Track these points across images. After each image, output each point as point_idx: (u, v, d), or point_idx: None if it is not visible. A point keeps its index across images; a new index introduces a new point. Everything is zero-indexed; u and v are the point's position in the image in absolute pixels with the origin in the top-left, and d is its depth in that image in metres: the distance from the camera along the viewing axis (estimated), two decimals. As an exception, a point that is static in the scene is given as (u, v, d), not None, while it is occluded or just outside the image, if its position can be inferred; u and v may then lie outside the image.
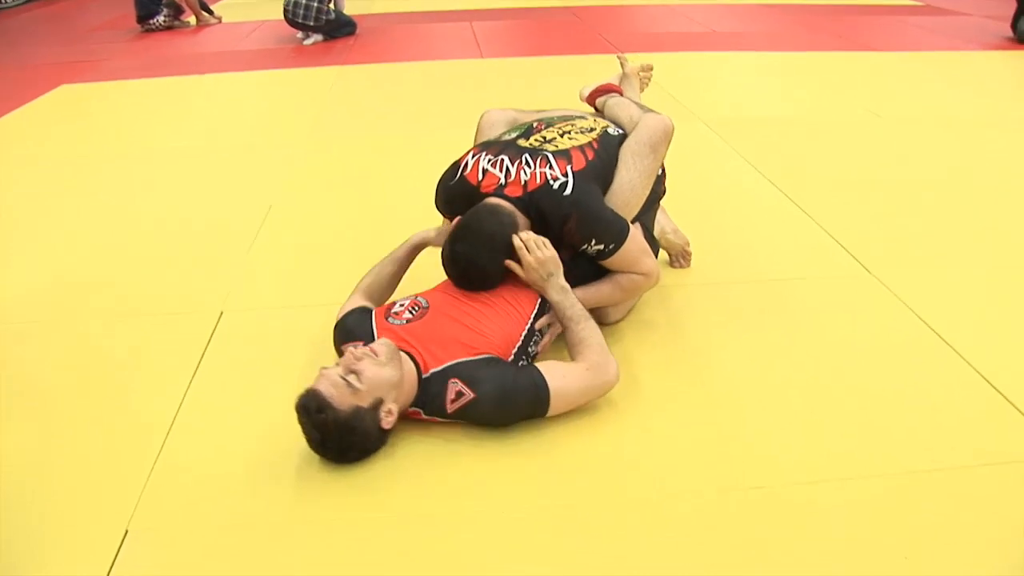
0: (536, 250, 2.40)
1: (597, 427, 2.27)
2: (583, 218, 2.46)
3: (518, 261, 2.41)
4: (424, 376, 2.21)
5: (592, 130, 2.70)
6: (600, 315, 2.70)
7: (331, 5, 7.88)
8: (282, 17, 7.97)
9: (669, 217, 3.15)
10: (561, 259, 2.44)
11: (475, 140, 2.91)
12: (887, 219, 3.53)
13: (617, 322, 2.74)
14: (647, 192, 2.68)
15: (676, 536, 1.89)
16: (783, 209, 3.65)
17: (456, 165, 2.66)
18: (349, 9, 8.44)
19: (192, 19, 9.22)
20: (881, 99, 5.43)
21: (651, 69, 3.38)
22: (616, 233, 2.50)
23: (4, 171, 4.57)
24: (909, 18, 8.65)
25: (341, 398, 2.04)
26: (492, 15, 9.19)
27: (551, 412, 2.23)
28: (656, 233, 2.99)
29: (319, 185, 4.21)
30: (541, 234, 2.46)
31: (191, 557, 1.89)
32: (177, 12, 9.04)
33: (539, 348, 2.48)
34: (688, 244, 3.14)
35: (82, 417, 2.41)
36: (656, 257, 2.85)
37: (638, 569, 1.81)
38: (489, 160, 2.57)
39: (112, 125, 5.44)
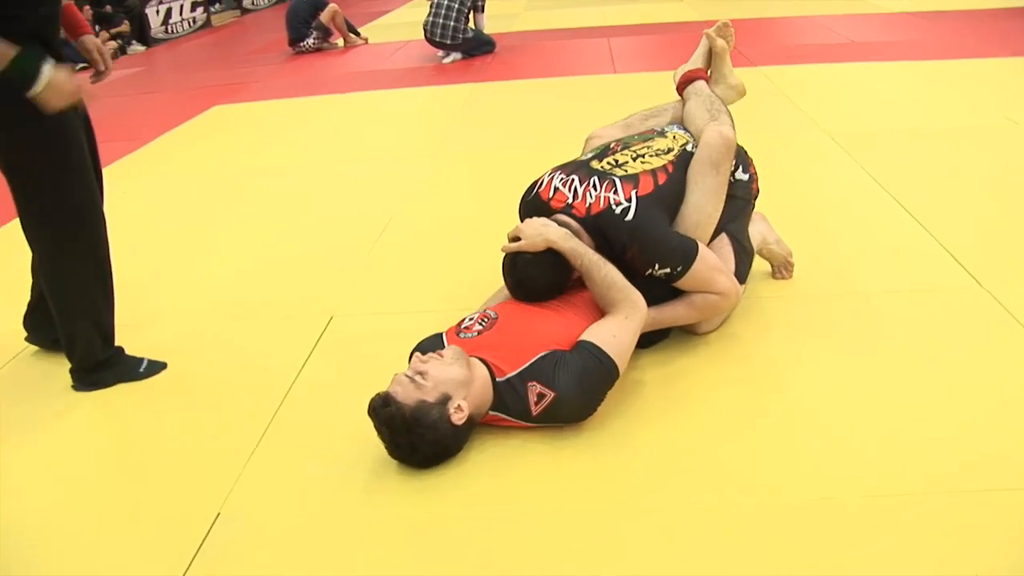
0: (523, 226, 2.51)
1: (673, 432, 2.30)
2: (644, 244, 2.48)
3: (567, 275, 2.48)
4: (499, 380, 2.27)
5: (670, 150, 2.72)
6: (690, 327, 2.73)
7: (470, 24, 8.10)
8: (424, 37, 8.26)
9: (772, 227, 3.12)
10: (634, 283, 2.48)
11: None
12: (1008, 232, 3.38)
13: (707, 333, 2.75)
14: (719, 209, 2.68)
15: (741, 544, 1.91)
16: (898, 221, 3.56)
17: (535, 181, 2.75)
18: (489, 28, 8.64)
19: (340, 41, 9.65)
20: (1022, 106, 5.18)
21: (730, 26, 3.19)
22: (681, 256, 2.52)
23: (158, 184, 4.94)
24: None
25: (406, 394, 2.13)
26: (630, 31, 9.23)
27: (621, 369, 2.32)
28: (758, 244, 2.98)
29: (439, 198, 4.36)
30: (605, 256, 2.50)
31: (276, 543, 2.01)
32: (326, 34, 9.48)
33: None
34: (791, 255, 3.11)
35: (192, 403, 2.63)
36: (750, 266, 2.85)
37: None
38: (561, 179, 2.64)
39: (256, 142, 5.77)
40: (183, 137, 6.07)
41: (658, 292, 2.58)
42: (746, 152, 2.95)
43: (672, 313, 2.61)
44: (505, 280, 2.58)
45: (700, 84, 3.01)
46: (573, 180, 2.62)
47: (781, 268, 3.11)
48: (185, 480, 2.26)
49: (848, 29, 8.38)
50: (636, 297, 2.41)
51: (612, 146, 2.78)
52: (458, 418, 2.16)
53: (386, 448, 2.19)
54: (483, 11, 8.26)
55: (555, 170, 2.72)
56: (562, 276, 2.49)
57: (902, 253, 3.28)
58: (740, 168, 2.87)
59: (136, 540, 2.05)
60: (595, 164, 2.68)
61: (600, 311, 2.48)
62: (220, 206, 4.48)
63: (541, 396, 2.23)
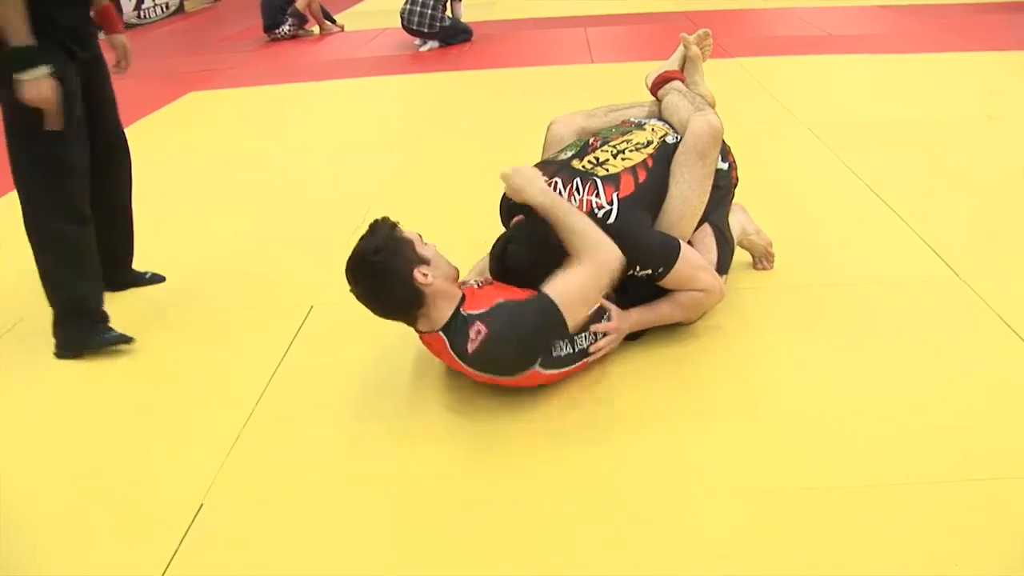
0: (513, 174, 2.51)
1: (654, 423, 2.30)
2: (626, 246, 2.45)
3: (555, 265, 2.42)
4: (461, 312, 2.31)
5: (649, 143, 2.72)
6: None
7: (447, 12, 8.06)
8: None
9: (751, 218, 3.13)
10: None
11: (542, 152, 2.96)
12: (985, 224, 3.42)
13: (690, 324, 2.75)
14: (703, 200, 2.69)
15: (730, 535, 1.91)
16: (877, 213, 3.58)
17: None
18: (467, 16, 8.60)
19: (316, 28, 9.57)
20: (999, 101, 5.22)
21: (710, 36, 3.24)
22: (663, 257, 2.53)
23: (134, 171, 4.85)
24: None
25: (408, 234, 2.34)
26: (607, 21, 9.22)
27: (569, 319, 2.28)
28: (738, 235, 2.99)
29: (417, 188, 4.34)
30: None
31: (259, 534, 2.01)
32: (301, 22, 9.39)
33: (591, 348, 2.47)
34: (771, 245, 3.12)
35: (172, 393, 2.63)
36: (732, 256, 2.85)
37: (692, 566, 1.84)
38: (544, 181, 2.59)
39: (232, 129, 5.72)
40: (159, 123, 5.99)
41: (641, 291, 2.59)
42: (724, 141, 2.93)
43: (657, 313, 2.63)
44: (491, 264, 2.56)
45: (678, 83, 3.02)
46: (556, 183, 2.59)
47: (762, 258, 3.13)
48: (167, 471, 2.25)
49: (824, 21, 8.42)
50: (598, 244, 2.37)
51: (592, 142, 2.76)
52: (420, 278, 2.25)
53: (351, 256, 2.31)
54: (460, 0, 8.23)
55: (537, 171, 2.66)
56: (548, 269, 2.45)
57: (880, 245, 3.30)
58: (720, 157, 2.85)
59: (118, 532, 2.03)
60: (576, 164, 2.66)
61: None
62: (197, 194, 4.44)
63: (478, 333, 2.25)
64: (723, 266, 2.78)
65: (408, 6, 7.92)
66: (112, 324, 2.90)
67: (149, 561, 1.91)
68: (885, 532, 1.88)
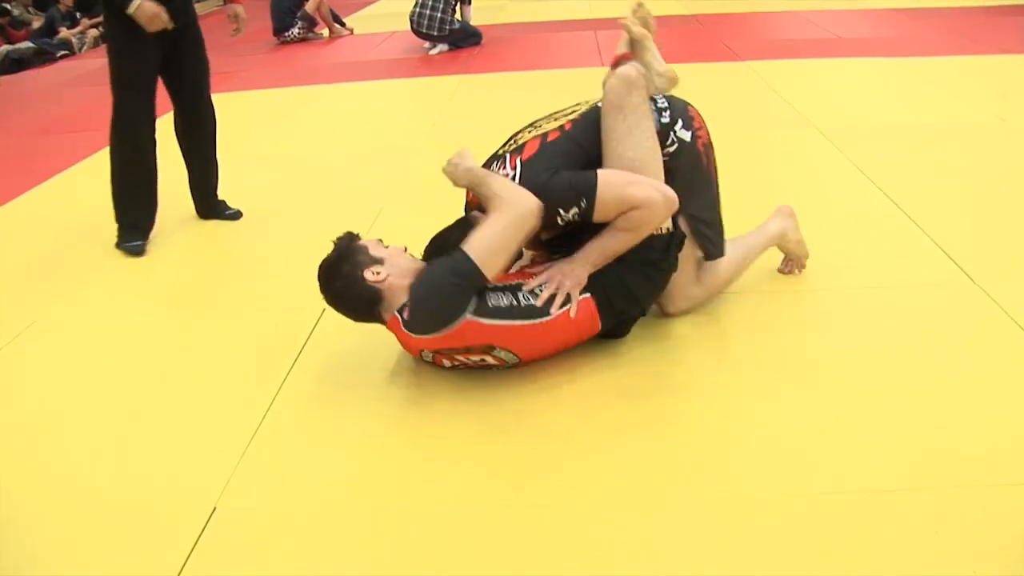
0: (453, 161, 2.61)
1: (666, 429, 2.29)
2: (540, 196, 2.41)
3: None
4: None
5: (573, 111, 2.71)
6: (662, 306, 2.76)
7: (456, 16, 8.06)
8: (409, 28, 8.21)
9: (798, 226, 3.05)
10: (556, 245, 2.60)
11: None
12: (998, 227, 3.40)
13: (683, 313, 2.76)
14: (646, 148, 2.52)
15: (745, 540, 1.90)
16: (889, 216, 3.56)
17: None
18: (476, 20, 8.60)
19: (325, 31, 9.59)
20: (1010, 103, 5.20)
21: (642, 5, 2.99)
22: (578, 189, 2.43)
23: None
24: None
25: (365, 241, 2.53)
26: (617, 24, 9.15)
27: (486, 268, 2.34)
28: (777, 234, 2.98)
29: (429, 190, 4.32)
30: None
31: (274, 536, 2.00)
32: (311, 25, 9.42)
33: (552, 310, 2.45)
34: (807, 258, 3.07)
35: (186, 394, 2.62)
36: (722, 239, 2.82)
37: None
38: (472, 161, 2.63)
39: (242, 132, 5.70)
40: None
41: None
42: (688, 106, 2.76)
43: (599, 246, 2.49)
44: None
45: (628, 64, 2.73)
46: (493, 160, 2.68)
47: (795, 265, 3.09)
48: (180, 472, 2.24)
49: (834, 25, 8.40)
50: (511, 195, 2.41)
51: (519, 130, 2.81)
52: (371, 276, 2.42)
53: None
54: (470, 3, 8.23)
55: (468, 152, 2.69)
56: None
57: (893, 248, 3.29)
58: (680, 124, 2.66)
59: (131, 534, 2.02)
60: (500, 151, 2.73)
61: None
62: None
63: (409, 298, 2.40)
64: (717, 251, 2.79)
65: (417, 9, 7.92)
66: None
67: (163, 564, 1.90)
68: (902, 537, 1.87)
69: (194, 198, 4.06)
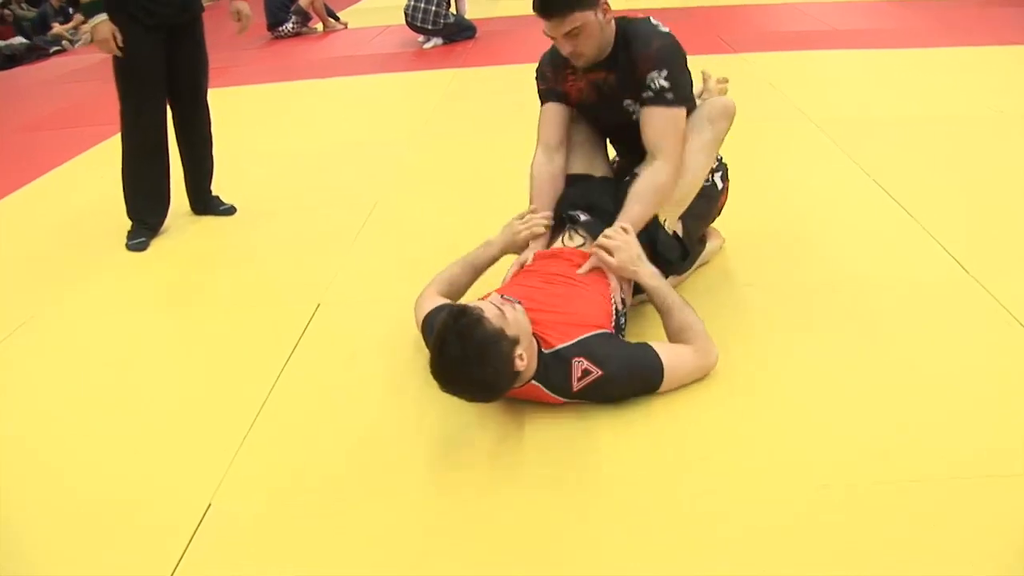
0: (617, 234, 2.50)
1: (666, 424, 2.28)
2: (669, 48, 2.60)
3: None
4: (544, 352, 2.26)
5: None
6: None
7: (451, 9, 8.04)
8: (404, 22, 8.19)
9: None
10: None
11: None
12: (996, 221, 3.39)
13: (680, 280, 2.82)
14: (706, 166, 2.76)
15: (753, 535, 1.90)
16: (886, 210, 3.55)
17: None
18: (471, 13, 8.58)
19: (319, 25, 9.57)
20: (1008, 95, 5.19)
21: (727, 82, 3.34)
22: (683, 93, 2.63)
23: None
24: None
25: (492, 315, 2.11)
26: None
27: (662, 388, 2.31)
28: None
29: (424, 184, 4.33)
30: (618, 66, 2.64)
31: (268, 533, 1.99)
32: (305, 19, 9.39)
33: (625, 320, 2.54)
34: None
35: (177, 391, 2.62)
36: (692, 261, 2.95)
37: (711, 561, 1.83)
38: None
39: (237, 127, 5.67)
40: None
41: None
42: (726, 167, 2.99)
43: (633, 211, 2.62)
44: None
45: None
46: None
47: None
48: (175, 471, 2.23)
49: (829, 16, 8.39)
50: (712, 346, 2.41)
51: None
52: (519, 365, 2.14)
53: (438, 358, 2.11)
54: None
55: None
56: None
57: (891, 242, 3.28)
58: (720, 174, 2.93)
59: (126, 532, 2.01)
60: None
61: (605, 279, 2.53)
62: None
63: (587, 372, 2.23)
64: (679, 269, 2.85)
65: (412, 2, 7.90)
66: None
67: (158, 561, 1.89)
68: (903, 529, 1.86)
69: (189, 194, 4.05)
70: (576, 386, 2.24)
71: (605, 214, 2.66)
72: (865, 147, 4.31)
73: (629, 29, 2.65)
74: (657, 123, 2.62)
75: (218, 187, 4.09)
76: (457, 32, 8.16)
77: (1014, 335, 2.60)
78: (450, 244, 3.40)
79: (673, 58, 2.62)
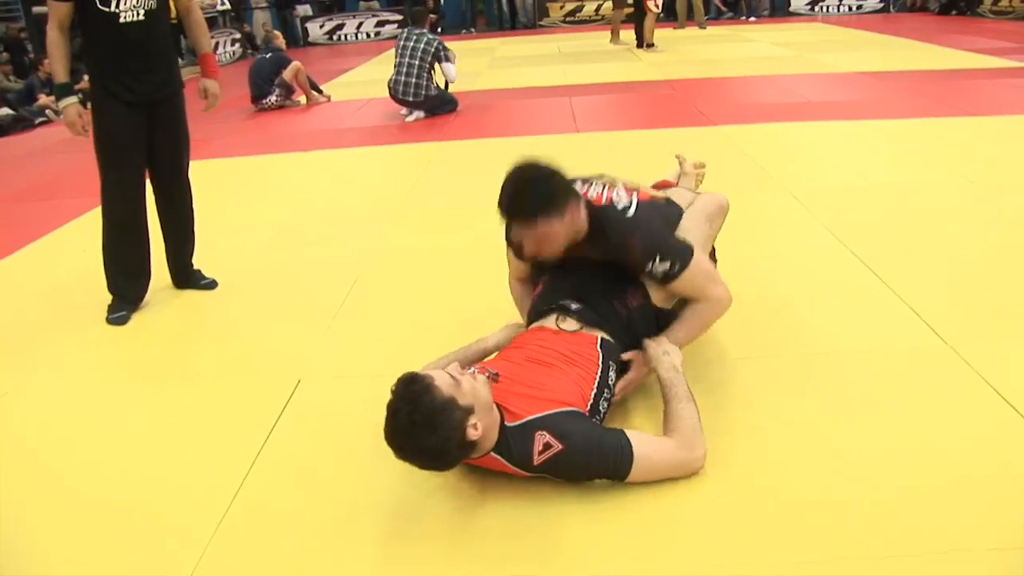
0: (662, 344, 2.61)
1: (639, 494, 2.28)
2: (646, 234, 2.55)
3: None
4: (507, 425, 2.25)
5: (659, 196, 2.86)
6: None
7: (436, 79, 8.15)
8: (387, 95, 8.33)
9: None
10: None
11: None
12: (970, 289, 3.44)
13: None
14: (705, 261, 2.76)
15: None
16: (861, 279, 3.60)
17: None
18: (453, 86, 8.69)
19: (303, 98, 9.68)
20: (977, 165, 5.29)
21: (704, 167, 3.46)
22: (680, 253, 2.57)
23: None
24: (1016, 80, 8.43)
25: (443, 383, 2.12)
26: (591, 90, 9.35)
27: (631, 478, 2.26)
28: None
29: (406, 260, 4.35)
30: (598, 249, 2.60)
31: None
32: (288, 92, 9.51)
33: (609, 406, 2.52)
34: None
35: (157, 469, 2.59)
36: None
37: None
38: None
39: (220, 199, 5.71)
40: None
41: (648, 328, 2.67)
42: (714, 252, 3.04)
43: (679, 335, 2.68)
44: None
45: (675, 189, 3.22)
46: (575, 181, 2.65)
47: None
48: (152, 549, 2.22)
49: (804, 88, 8.58)
50: (698, 443, 2.35)
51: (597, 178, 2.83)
52: (472, 434, 2.13)
53: (390, 425, 2.11)
54: (450, 60, 8.24)
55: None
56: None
57: (866, 311, 3.32)
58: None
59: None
60: (594, 178, 2.77)
61: (594, 358, 2.51)
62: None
63: (548, 446, 2.21)
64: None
65: (395, 77, 8.04)
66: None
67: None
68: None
69: (170, 267, 4.06)
70: (537, 459, 2.21)
71: (596, 302, 2.66)
72: (839, 216, 4.38)
73: (600, 217, 2.61)
74: (684, 287, 2.63)
75: (200, 260, 4.11)
76: (440, 105, 8.27)
77: (991, 403, 2.62)
78: (430, 320, 3.43)
79: (656, 242, 2.58)
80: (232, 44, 17.31)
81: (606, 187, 2.66)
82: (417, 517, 2.28)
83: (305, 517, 2.30)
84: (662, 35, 13.14)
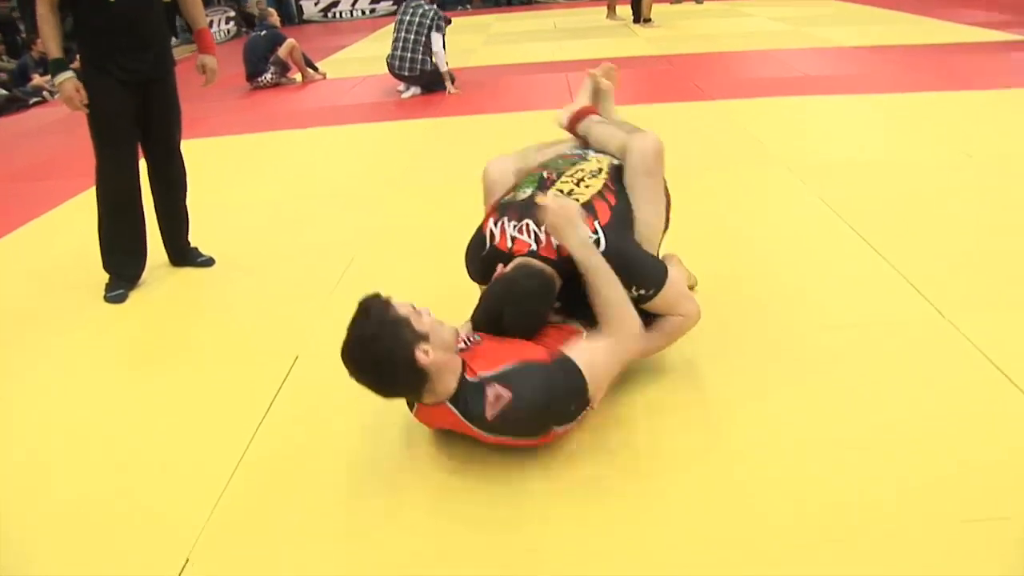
0: (557, 198, 2.50)
1: (626, 468, 2.28)
2: (623, 267, 2.46)
3: (544, 315, 2.48)
4: (468, 379, 2.24)
5: (601, 171, 2.72)
6: None
7: (432, 58, 8.09)
8: (383, 72, 8.32)
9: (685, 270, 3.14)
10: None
11: (484, 198, 2.94)
12: (968, 262, 3.44)
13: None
14: (663, 217, 2.75)
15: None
16: (859, 253, 3.60)
17: (482, 234, 2.68)
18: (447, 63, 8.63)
19: (298, 76, 9.63)
20: (975, 139, 5.28)
21: (614, 68, 3.32)
22: (656, 278, 2.52)
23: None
24: (1015, 54, 8.40)
25: (402, 308, 2.19)
26: (587, 66, 9.19)
27: (592, 391, 2.26)
28: None
29: (403, 236, 4.34)
30: (576, 292, 2.48)
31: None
32: (284, 69, 9.46)
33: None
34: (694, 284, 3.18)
35: (154, 448, 2.59)
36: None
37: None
38: (515, 226, 2.56)
39: (215, 178, 5.69)
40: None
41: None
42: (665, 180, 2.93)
43: (648, 345, 2.59)
44: (488, 302, 2.47)
45: (596, 116, 3.02)
46: (528, 224, 2.55)
47: None
48: (152, 525, 2.22)
49: (802, 63, 8.53)
50: (632, 323, 2.37)
51: (547, 176, 2.71)
52: (421, 357, 2.14)
53: (345, 339, 2.18)
54: (442, 32, 8.04)
55: (499, 216, 2.63)
56: (546, 314, 2.48)
57: (864, 285, 3.31)
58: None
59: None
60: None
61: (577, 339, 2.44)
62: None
63: (498, 397, 2.18)
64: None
65: (393, 51, 7.99)
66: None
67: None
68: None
69: (166, 246, 4.05)
70: (490, 413, 2.18)
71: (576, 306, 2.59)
72: (837, 191, 4.37)
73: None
74: (656, 307, 2.56)
75: (197, 238, 4.10)
76: (435, 81, 8.22)
77: (987, 375, 2.63)
78: (427, 296, 3.37)
79: (631, 273, 2.48)
80: (227, 23, 17.21)
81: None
82: (413, 487, 2.29)
83: (304, 492, 2.31)
84: (659, 10, 13.05)
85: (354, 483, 2.35)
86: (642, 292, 2.51)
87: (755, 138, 5.59)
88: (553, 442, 2.36)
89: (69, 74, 3.50)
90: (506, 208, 2.65)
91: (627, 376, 2.63)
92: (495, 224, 2.62)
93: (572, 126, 3.04)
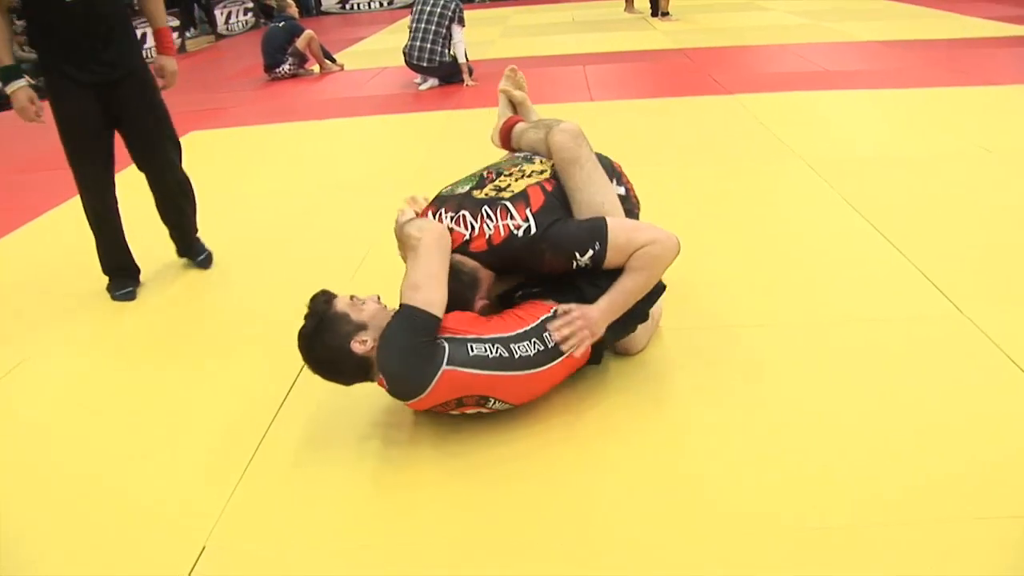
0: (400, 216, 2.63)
1: (675, 455, 2.28)
2: (556, 245, 2.48)
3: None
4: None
5: (543, 171, 2.74)
6: (623, 349, 2.77)
7: (451, 50, 8.07)
8: (401, 63, 8.31)
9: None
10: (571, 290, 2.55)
11: None
12: (986, 258, 3.43)
13: (642, 351, 2.80)
14: (608, 192, 2.70)
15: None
16: (877, 248, 3.58)
17: None
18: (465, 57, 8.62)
19: (316, 67, 9.65)
20: (994, 134, 5.25)
21: (516, 71, 3.40)
22: (592, 233, 2.50)
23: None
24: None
25: (341, 302, 2.41)
26: (605, 58, 9.28)
27: (432, 308, 2.32)
28: None
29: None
30: (523, 274, 2.63)
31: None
32: (302, 61, 9.48)
33: (563, 347, 2.45)
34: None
35: (173, 436, 2.61)
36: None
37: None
38: (451, 217, 2.59)
39: (233, 168, 5.74)
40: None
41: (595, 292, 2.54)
42: (614, 164, 2.94)
43: (620, 290, 2.52)
44: None
45: (521, 123, 3.06)
46: (464, 216, 2.58)
47: None
48: (169, 511, 2.24)
49: (820, 58, 8.48)
50: (421, 238, 2.43)
51: (487, 175, 2.75)
52: (356, 347, 2.33)
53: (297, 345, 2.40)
54: (462, 24, 8.08)
55: (437, 208, 2.65)
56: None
57: (882, 280, 3.30)
58: (615, 181, 2.85)
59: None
60: (478, 194, 2.65)
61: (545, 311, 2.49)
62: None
63: (378, 363, 2.36)
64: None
65: (411, 42, 7.98)
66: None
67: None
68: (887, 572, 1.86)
69: (173, 239, 3.99)
70: (386, 385, 2.35)
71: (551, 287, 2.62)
72: (856, 186, 4.35)
73: (508, 256, 2.57)
74: (617, 256, 2.51)
75: (212, 229, 4.10)
76: (453, 73, 8.21)
77: (1006, 371, 2.62)
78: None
79: (567, 243, 2.51)
80: (245, 13, 17.24)
81: (498, 213, 2.55)
82: (426, 481, 2.30)
83: (318, 482, 2.32)
84: (677, 3, 13.00)
85: (368, 474, 2.36)
86: (590, 254, 2.49)
87: (773, 133, 5.56)
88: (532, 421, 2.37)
89: (21, 83, 3.32)
90: (444, 200, 2.69)
91: (646, 365, 2.64)
92: (433, 216, 2.64)
93: (505, 143, 3.09)
